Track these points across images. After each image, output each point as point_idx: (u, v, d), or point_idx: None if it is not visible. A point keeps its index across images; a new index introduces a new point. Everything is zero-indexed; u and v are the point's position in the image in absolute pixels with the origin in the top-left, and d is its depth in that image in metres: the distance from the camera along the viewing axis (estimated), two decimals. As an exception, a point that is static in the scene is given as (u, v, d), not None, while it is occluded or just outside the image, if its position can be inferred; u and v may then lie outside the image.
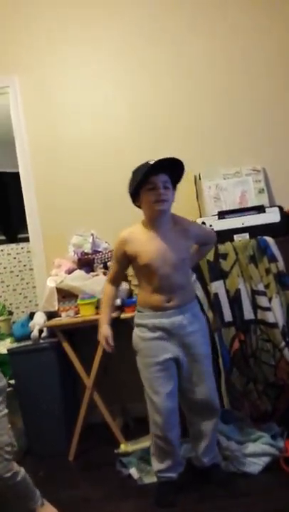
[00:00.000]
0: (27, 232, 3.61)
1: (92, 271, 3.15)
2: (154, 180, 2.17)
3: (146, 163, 2.17)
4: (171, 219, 2.29)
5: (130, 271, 2.51)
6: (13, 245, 5.78)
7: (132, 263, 2.28)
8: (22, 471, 2.08)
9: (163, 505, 2.20)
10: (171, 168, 2.20)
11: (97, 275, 3.09)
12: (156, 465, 2.30)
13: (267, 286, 2.69)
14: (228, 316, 2.71)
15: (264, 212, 2.94)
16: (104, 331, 2.30)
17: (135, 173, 2.23)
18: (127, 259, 2.28)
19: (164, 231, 2.24)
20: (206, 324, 2.38)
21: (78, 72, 3.54)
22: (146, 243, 2.21)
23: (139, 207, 2.29)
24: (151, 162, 2.15)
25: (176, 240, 2.23)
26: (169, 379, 2.22)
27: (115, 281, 2.39)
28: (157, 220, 2.24)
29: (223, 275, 2.74)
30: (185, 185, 3.33)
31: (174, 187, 2.27)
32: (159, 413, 2.21)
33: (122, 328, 2.85)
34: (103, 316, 2.35)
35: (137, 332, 2.30)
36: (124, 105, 3.51)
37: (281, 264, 2.72)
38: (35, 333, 3.02)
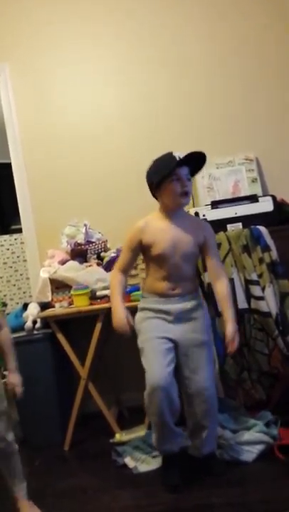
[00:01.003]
0: (20, 223, 3.59)
1: (86, 261, 3.14)
2: (179, 172, 2.20)
3: (171, 156, 2.19)
4: (187, 215, 2.39)
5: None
6: (6, 236, 5.75)
7: (145, 251, 2.31)
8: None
9: (169, 484, 2.23)
10: (189, 161, 2.23)
11: (90, 266, 3.08)
12: (158, 442, 2.31)
13: (260, 276, 2.69)
14: (221, 305, 2.72)
15: (257, 201, 2.93)
16: (121, 313, 2.25)
17: (159, 164, 2.23)
18: (140, 248, 2.30)
19: (179, 222, 2.28)
20: (208, 314, 2.41)
21: (70, 61, 3.51)
22: (161, 233, 2.25)
23: (155, 197, 2.32)
24: (176, 154, 2.18)
25: (188, 233, 2.27)
26: (167, 354, 2.21)
27: (125, 271, 2.37)
28: (175, 211, 2.29)
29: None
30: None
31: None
32: (154, 386, 2.16)
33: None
34: (116, 302, 2.29)
35: (140, 314, 2.35)
36: (116, 95, 3.49)
37: (274, 254, 2.72)
38: (29, 324, 3.01)
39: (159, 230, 2.26)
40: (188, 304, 2.29)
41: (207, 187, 3.17)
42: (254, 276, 2.70)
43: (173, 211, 2.28)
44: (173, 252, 2.23)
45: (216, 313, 2.69)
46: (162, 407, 2.16)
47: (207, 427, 2.28)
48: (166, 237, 2.24)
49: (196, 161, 2.23)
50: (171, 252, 2.22)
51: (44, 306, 3.09)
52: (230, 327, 2.25)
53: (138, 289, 2.87)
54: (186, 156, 2.17)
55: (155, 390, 2.16)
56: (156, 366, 2.20)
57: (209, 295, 2.67)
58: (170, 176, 2.19)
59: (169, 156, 2.21)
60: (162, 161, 2.22)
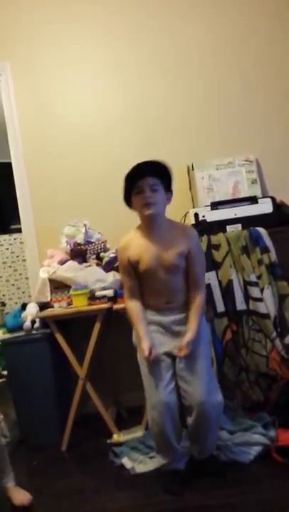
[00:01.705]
0: (19, 223, 3.59)
1: (85, 261, 3.14)
2: (141, 184, 2.16)
3: (133, 168, 2.16)
4: (170, 224, 2.27)
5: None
6: (5, 236, 5.77)
7: (134, 269, 2.26)
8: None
9: (170, 493, 2.21)
10: (161, 171, 2.19)
11: (89, 266, 3.08)
12: (160, 460, 2.30)
13: (259, 277, 2.70)
14: (220, 306, 2.72)
15: (256, 203, 2.94)
16: (145, 344, 2.18)
17: (125, 178, 2.20)
18: (132, 266, 2.25)
19: (159, 236, 2.22)
20: (205, 326, 2.34)
21: (71, 61, 3.51)
22: (144, 250, 2.21)
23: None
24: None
25: (170, 246, 2.20)
26: (165, 373, 2.21)
27: (134, 295, 2.30)
28: (151, 223, 2.22)
29: (215, 266, 2.75)
30: (178, 176, 3.35)
31: (168, 189, 2.24)
32: (154, 407, 2.19)
33: (115, 319, 2.87)
34: (140, 332, 2.22)
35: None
36: (116, 96, 3.49)
37: (273, 255, 2.72)
38: (27, 323, 3.01)
39: (142, 246, 2.22)
40: (182, 315, 2.25)
41: (207, 188, 3.17)
42: (253, 278, 2.70)
43: (149, 224, 2.22)
44: (157, 267, 2.19)
45: (214, 315, 2.70)
46: (164, 430, 2.19)
47: (206, 437, 2.26)
48: (148, 253, 2.20)
49: (162, 168, 2.19)
50: (155, 267, 2.19)
51: (43, 306, 3.09)
52: (189, 335, 2.18)
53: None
54: (137, 165, 2.15)
55: (156, 414, 2.18)
56: (154, 389, 2.19)
57: (208, 296, 2.67)
58: (134, 188, 2.18)
59: (131, 170, 2.17)
60: (126, 176, 2.19)
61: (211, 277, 2.74)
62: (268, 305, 2.65)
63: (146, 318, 2.28)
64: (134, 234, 2.28)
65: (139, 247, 2.22)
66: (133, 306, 2.29)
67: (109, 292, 2.94)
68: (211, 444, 2.30)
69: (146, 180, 2.16)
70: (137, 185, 2.17)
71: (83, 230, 3.18)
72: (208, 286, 2.72)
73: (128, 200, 2.25)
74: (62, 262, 3.11)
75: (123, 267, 2.29)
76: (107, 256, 3.14)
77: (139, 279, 2.28)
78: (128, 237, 2.29)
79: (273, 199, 2.94)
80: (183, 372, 2.21)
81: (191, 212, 2.94)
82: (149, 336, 2.22)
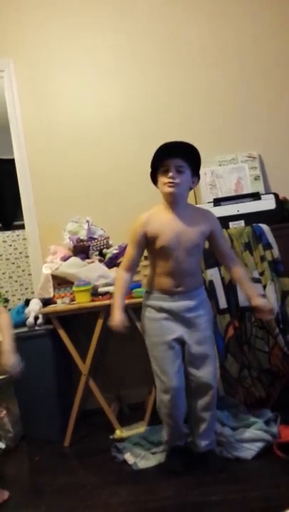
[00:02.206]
0: (22, 219, 3.59)
1: (88, 258, 3.14)
2: (167, 163, 2.20)
3: (162, 147, 2.20)
4: (191, 207, 2.36)
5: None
6: (8, 232, 5.77)
7: (149, 245, 2.30)
8: None
9: (173, 470, 2.33)
10: (190, 154, 2.22)
11: (92, 262, 3.08)
12: (166, 436, 2.41)
13: (262, 274, 2.69)
14: (223, 303, 2.72)
15: (259, 199, 2.93)
16: (116, 317, 2.23)
17: (154, 155, 2.24)
18: (145, 242, 2.29)
19: (181, 215, 2.26)
20: (211, 311, 2.41)
21: (74, 58, 3.51)
22: (165, 225, 2.24)
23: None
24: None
25: (193, 225, 2.25)
26: (176, 358, 2.28)
27: (131, 268, 2.34)
28: (173, 203, 2.26)
29: (218, 262, 2.74)
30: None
31: (196, 173, 2.28)
32: (166, 392, 2.27)
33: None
34: (116, 302, 2.28)
35: (144, 313, 2.37)
36: (118, 92, 3.49)
37: (276, 252, 2.72)
38: (30, 319, 3.02)
39: (163, 222, 2.25)
40: (192, 302, 2.29)
41: (210, 184, 3.17)
42: (255, 274, 2.70)
43: (171, 202, 2.26)
44: (177, 245, 2.22)
45: (217, 311, 2.69)
46: (175, 412, 2.30)
47: (206, 419, 2.32)
48: (169, 229, 2.23)
49: (192, 152, 2.22)
50: (174, 244, 2.21)
51: (46, 302, 3.09)
52: (257, 299, 2.29)
53: (140, 286, 2.87)
54: (165, 144, 2.18)
55: (168, 398, 2.27)
56: (166, 375, 2.27)
57: (211, 292, 2.67)
58: (161, 166, 2.22)
59: (160, 147, 2.21)
60: (155, 153, 2.23)
61: (213, 273, 2.74)
62: (270, 301, 2.64)
63: (127, 293, 2.40)
64: (156, 210, 2.31)
65: (160, 223, 2.25)
66: (124, 277, 2.32)
67: (112, 288, 2.94)
68: (209, 429, 2.35)
69: (174, 161, 2.19)
70: (164, 163, 2.20)
71: (86, 226, 3.18)
72: (211, 283, 2.72)
73: (154, 177, 2.29)
74: (65, 258, 3.12)
75: (135, 239, 2.30)
76: (109, 252, 3.14)
77: (153, 257, 2.31)
78: (150, 212, 2.31)
79: (276, 195, 2.93)
80: (192, 358, 2.29)
81: (194, 208, 2.94)
82: (124, 309, 2.26)
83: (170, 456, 2.41)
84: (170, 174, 2.19)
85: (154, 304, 2.32)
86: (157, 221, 2.26)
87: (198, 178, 2.32)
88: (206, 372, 2.28)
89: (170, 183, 2.20)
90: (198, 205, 2.96)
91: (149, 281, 2.37)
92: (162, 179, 2.22)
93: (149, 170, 2.29)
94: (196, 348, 2.28)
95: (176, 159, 2.19)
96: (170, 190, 2.21)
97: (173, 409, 2.29)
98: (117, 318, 2.23)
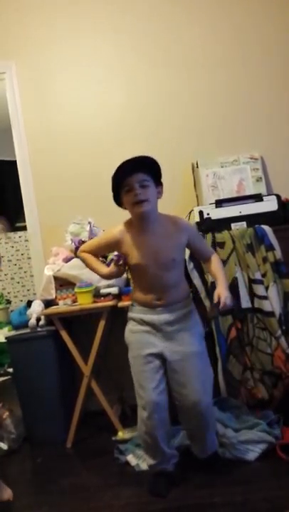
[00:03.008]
0: (24, 221, 3.60)
1: (90, 259, 3.14)
2: (129, 182, 2.09)
3: (119, 167, 2.10)
4: (162, 218, 2.21)
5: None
6: (10, 234, 5.78)
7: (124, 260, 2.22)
8: None
9: (155, 494, 2.20)
10: (149, 165, 2.13)
11: (94, 264, 3.08)
12: (148, 460, 2.28)
13: (264, 275, 2.69)
14: (225, 304, 2.71)
15: (261, 200, 2.93)
16: (104, 269, 2.26)
17: (112, 178, 2.14)
18: (109, 251, 2.30)
19: (154, 231, 2.16)
20: (198, 323, 2.30)
21: (76, 59, 3.51)
22: (137, 245, 2.16)
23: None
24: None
25: (167, 240, 2.15)
26: (155, 373, 2.17)
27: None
28: (144, 221, 2.15)
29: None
30: (182, 174, 3.35)
31: (159, 183, 2.18)
32: (144, 408, 2.17)
33: (120, 316, 2.87)
34: (96, 265, 2.30)
35: (128, 325, 2.30)
36: (121, 93, 3.49)
37: (278, 253, 2.72)
38: (32, 321, 3.03)
39: (135, 240, 2.17)
40: (174, 315, 2.19)
41: (211, 186, 3.17)
42: (258, 276, 2.70)
43: (142, 221, 2.15)
44: (152, 262, 2.13)
45: (218, 312, 2.69)
46: (153, 432, 2.17)
47: (203, 436, 2.27)
48: (142, 249, 2.14)
49: (150, 163, 2.13)
50: (149, 262, 2.13)
51: (48, 303, 3.10)
52: (221, 288, 2.22)
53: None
54: (121, 164, 2.08)
55: (145, 414, 2.16)
56: (144, 389, 2.17)
57: (211, 294, 2.66)
58: (123, 187, 2.12)
59: (117, 168, 2.10)
60: (114, 175, 2.13)
61: (215, 275, 2.73)
62: (272, 303, 2.65)
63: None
64: (126, 227, 2.21)
65: (133, 242, 2.16)
66: (88, 254, 2.32)
67: (114, 290, 2.95)
68: (210, 441, 2.30)
69: (135, 177, 2.09)
70: (126, 183, 2.10)
71: (88, 228, 3.18)
72: (213, 284, 2.71)
73: (118, 199, 2.19)
74: (67, 260, 3.12)
75: (100, 244, 2.30)
76: (111, 254, 3.14)
77: (131, 271, 2.26)
78: (120, 229, 2.21)
79: (278, 197, 2.93)
80: (175, 375, 2.19)
81: (196, 210, 2.94)
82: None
83: (155, 479, 2.26)
84: (136, 191, 2.08)
85: (135, 317, 2.25)
86: (130, 238, 2.17)
87: (162, 185, 2.20)
88: (193, 390, 2.16)
89: (139, 201, 2.08)
90: (199, 208, 2.97)
91: (133, 294, 2.31)
92: (128, 199, 2.11)
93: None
94: (178, 364, 2.17)
95: (137, 175, 2.08)
96: (141, 209, 2.09)
97: (151, 428, 2.16)
98: (105, 269, 2.25)
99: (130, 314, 2.29)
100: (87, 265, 2.33)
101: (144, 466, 2.45)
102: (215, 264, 2.32)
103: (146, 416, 2.16)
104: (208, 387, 2.23)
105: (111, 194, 3.33)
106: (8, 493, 2.28)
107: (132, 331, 2.26)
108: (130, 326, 2.28)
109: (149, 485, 2.26)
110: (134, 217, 2.17)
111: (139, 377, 2.20)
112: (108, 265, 3.04)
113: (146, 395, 2.16)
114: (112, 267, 2.21)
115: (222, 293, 2.20)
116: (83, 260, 2.35)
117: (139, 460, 2.49)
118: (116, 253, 2.21)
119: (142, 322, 2.22)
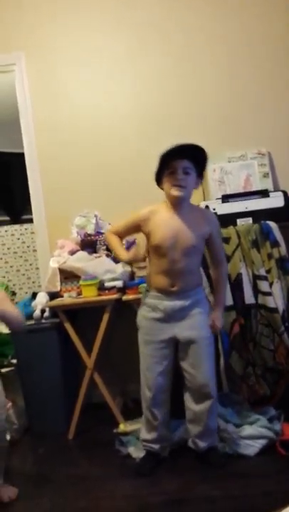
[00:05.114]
0: (31, 213, 3.60)
1: (95, 252, 3.15)
2: (174, 165, 2.19)
3: (170, 148, 2.18)
4: (193, 207, 2.36)
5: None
6: (16, 226, 5.80)
7: (147, 241, 2.33)
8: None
9: (140, 472, 2.34)
10: (197, 155, 2.21)
11: (99, 256, 3.09)
12: (143, 434, 2.44)
13: (268, 271, 2.69)
14: (228, 299, 2.71)
15: (268, 196, 2.92)
16: (124, 254, 2.36)
17: (159, 157, 2.23)
18: (136, 231, 2.38)
19: (183, 215, 2.26)
20: (209, 310, 2.40)
21: (85, 51, 3.50)
22: (163, 224, 2.25)
23: (162, 189, 2.32)
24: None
25: (191, 227, 2.25)
26: (164, 359, 2.32)
27: (117, 235, 2.44)
28: (176, 205, 2.26)
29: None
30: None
31: (200, 175, 2.29)
32: (149, 388, 2.33)
33: (124, 310, 2.88)
34: (117, 246, 2.40)
35: (141, 310, 2.39)
36: (129, 86, 3.48)
37: (283, 249, 2.71)
38: (37, 312, 3.04)
39: (162, 220, 2.26)
40: (186, 302, 2.28)
41: (218, 181, 3.16)
42: (262, 272, 2.70)
43: (178, 204, 2.26)
44: (173, 245, 2.22)
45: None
46: (155, 409, 2.35)
47: (205, 421, 2.31)
48: (167, 229, 2.23)
49: (199, 153, 2.22)
50: (171, 244, 2.22)
51: (53, 295, 3.10)
52: (217, 314, 2.39)
53: (145, 282, 2.87)
54: (174, 147, 2.15)
55: (149, 395, 2.34)
56: (151, 372, 2.33)
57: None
58: (167, 168, 2.21)
59: (168, 149, 2.18)
60: (161, 155, 2.21)
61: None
62: (276, 299, 2.64)
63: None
64: (158, 207, 2.33)
65: (160, 221, 2.27)
66: (114, 236, 2.44)
67: (119, 283, 2.95)
68: (209, 430, 2.34)
69: (181, 163, 2.19)
70: (171, 165, 2.19)
71: (94, 221, 3.19)
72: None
73: (159, 178, 2.28)
74: (72, 253, 3.13)
75: (128, 224, 2.39)
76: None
77: (150, 252, 2.33)
78: (150, 208, 2.32)
79: (285, 193, 2.92)
80: (186, 356, 2.31)
81: (202, 204, 2.93)
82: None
83: (143, 458, 2.42)
84: (178, 176, 2.19)
85: (149, 303, 2.34)
86: (157, 219, 2.27)
87: (202, 179, 2.33)
88: (202, 372, 2.28)
89: (178, 185, 2.20)
90: (206, 202, 2.97)
91: (147, 279, 2.41)
92: (169, 180, 2.22)
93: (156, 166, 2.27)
94: (191, 347, 2.29)
95: (183, 161, 2.19)
96: (177, 193, 2.21)
97: (153, 406, 2.34)
98: (126, 254, 2.35)
99: (145, 300, 2.38)
100: (111, 248, 2.51)
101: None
102: (222, 275, 2.44)
103: (151, 396, 2.34)
104: (212, 373, 2.34)
105: (118, 188, 3.39)
106: (13, 491, 2.30)
107: (144, 317, 2.36)
108: (143, 312, 2.38)
109: (137, 464, 2.41)
110: (169, 198, 2.28)
111: (147, 360, 2.34)
112: (113, 259, 3.07)
113: (152, 377, 2.32)
114: (131, 252, 2.33)
115: (217, 319, 2.38)
116: (108, 242, 2.50)
117: (140, 452, 2.50)
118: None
119: (156, 308, 2.30)
